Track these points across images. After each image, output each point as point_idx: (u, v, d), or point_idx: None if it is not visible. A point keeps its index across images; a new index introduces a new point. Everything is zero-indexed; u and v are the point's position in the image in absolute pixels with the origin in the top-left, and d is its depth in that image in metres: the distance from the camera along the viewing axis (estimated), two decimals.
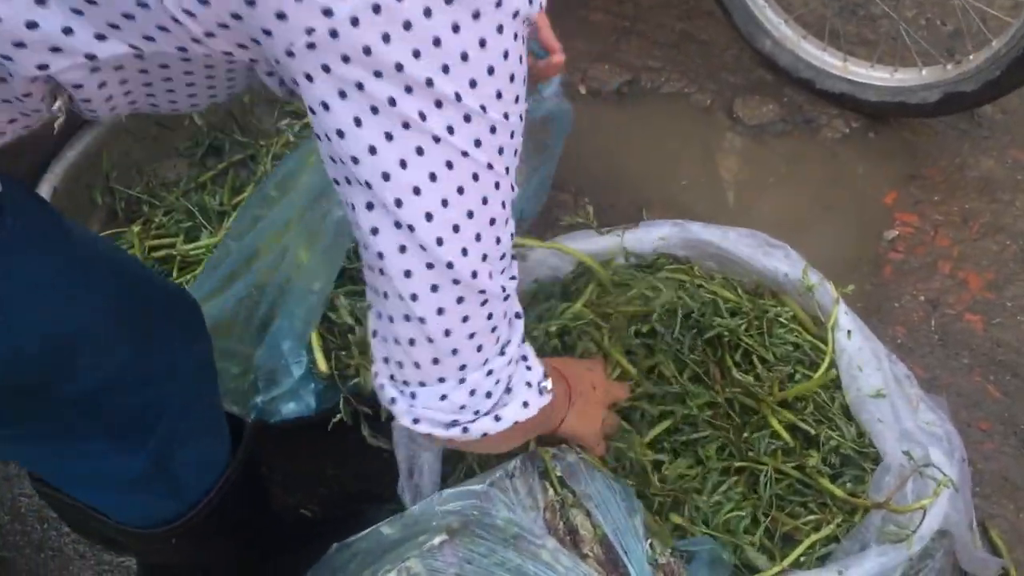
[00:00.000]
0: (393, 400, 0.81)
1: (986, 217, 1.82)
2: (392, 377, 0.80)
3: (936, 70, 1.84)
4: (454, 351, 0.77)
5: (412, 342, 0.76)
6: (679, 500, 1.20)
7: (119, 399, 0.88)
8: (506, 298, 0.79)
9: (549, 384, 0.89)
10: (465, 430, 0.82)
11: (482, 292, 0.75)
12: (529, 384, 0.86)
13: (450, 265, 0.72)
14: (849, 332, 1.28)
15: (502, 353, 0.81)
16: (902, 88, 1.88)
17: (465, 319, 0.76)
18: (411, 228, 0.69)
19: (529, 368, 0.87)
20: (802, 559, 1.16)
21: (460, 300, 0.74)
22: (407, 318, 0.74)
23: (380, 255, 0.71)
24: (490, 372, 0.80)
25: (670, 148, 1.94)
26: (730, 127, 1.96)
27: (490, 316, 0.77)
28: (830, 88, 1.96)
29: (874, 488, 1.14)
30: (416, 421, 0.81)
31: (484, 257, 0.73)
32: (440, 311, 0.74)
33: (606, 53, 2.08)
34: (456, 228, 0.71)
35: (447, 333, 0.75)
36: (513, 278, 0.80)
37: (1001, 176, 1.88)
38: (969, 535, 1.22)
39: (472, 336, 0.77)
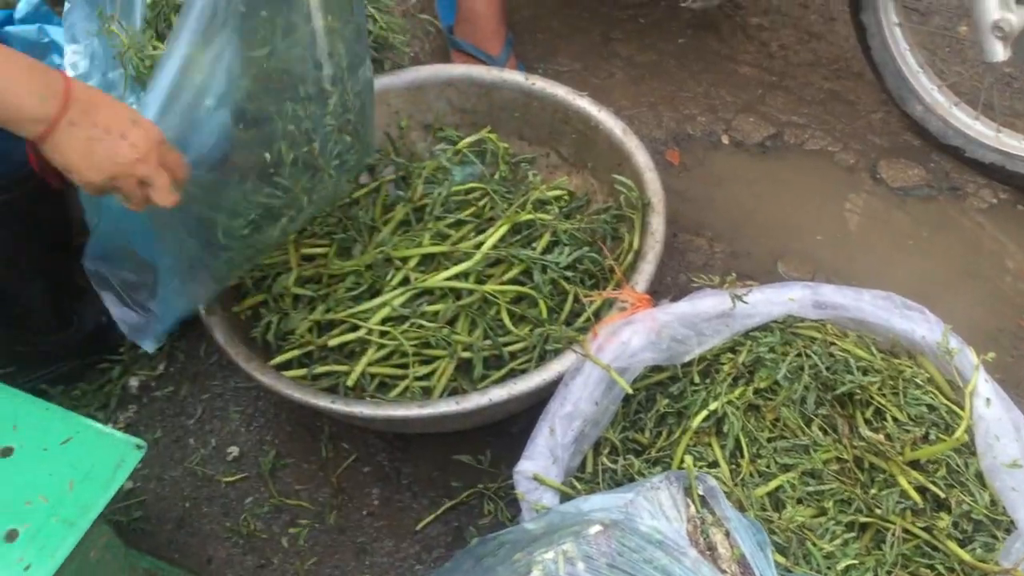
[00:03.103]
0: None
1: None
2: None
3: None
4: None
5: None
6: (794, 544, 1.21)
7: None
8: None
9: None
10: None
11: None
12: None
13: None
14: (988, 400, 1.26)
15: None
16: None
17: None
18: None
19: None
20: None
21: None
22: None
23: None
24: None
25: (809, 203, 1.94)
26: (872, 188, 1.96)
27: None
28: (980, 157, 1.93)
29: (1004, 556, 1.13)
30: None
31: None
32: None
33: (752, 106, 2.11)
34: None
35: None
36: None
37: None
38: None
39: None
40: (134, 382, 1.66)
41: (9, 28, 1.77)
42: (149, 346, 1.44)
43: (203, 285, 1.42)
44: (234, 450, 1.59)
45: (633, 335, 1.37)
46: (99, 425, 1.19)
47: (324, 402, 1.39)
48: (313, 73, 1.34)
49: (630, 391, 1.34)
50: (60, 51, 1.78)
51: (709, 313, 1.39)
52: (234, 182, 1.31)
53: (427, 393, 1.52)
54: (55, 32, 1.78)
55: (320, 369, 1.53)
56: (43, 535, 1.11)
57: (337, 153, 1.44)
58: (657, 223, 1.58)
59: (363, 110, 1.48)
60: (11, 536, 1.11)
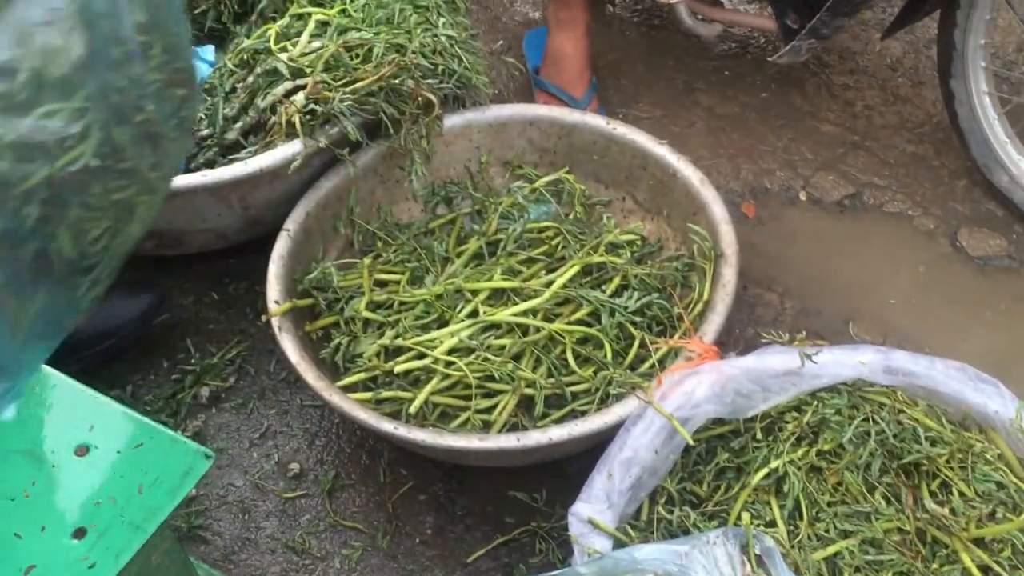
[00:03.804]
0: None
1: None
2: None
3: None
4: None
5: None
6: None
7: None
8: None
9: None
10: None
11: None
12: None
13: None
14: None
15: None
16: None
17: None
18: None
19: None
20: None
21: None
22: None
23: None
24: None
25: (885, 266, 1.92)
26: (951, 255, 1.93)
27: None
28: None
29: None
30: None
31: None
32: None
33: (831, 164, 2.10)
34: None
35: None
36: None
37: None
38: None
39: None
40: (204, 392, 1.71)
41: None
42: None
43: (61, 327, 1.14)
44: (295, 467, 1.62)
45: (698, 386, 1.37)
46: (171, 432, 1.22)
47: (388, 427, 1.41)
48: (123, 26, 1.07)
49: (691, 442, 1.34)
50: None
51: (776, 370, 1.38)
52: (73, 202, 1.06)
53: (487, 426, 1.53)
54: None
55: (384, 394, 1.55)
56: (109, 536, 1.14)
57: (173, 112, 1.19)
58: (729, 275, 1.58)
59: (181, 45, 1.21)
60: (79, 534, 1.15)
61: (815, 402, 1.38)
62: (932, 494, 1.31)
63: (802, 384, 1.38)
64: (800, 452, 1.35)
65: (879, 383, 1.38)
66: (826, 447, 1.35)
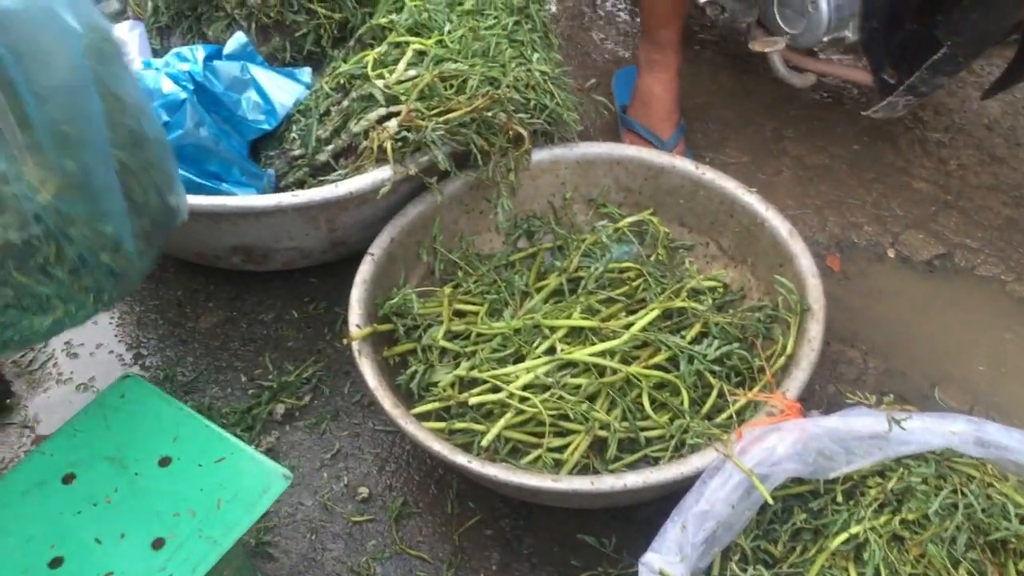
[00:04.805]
0: None
1: None
2: None
3: None
4: None
5: None
6: None
7: None
8: None
9: None
10: None
11: None
12: None
13: None
14: None
15: None
16: None
17: None
18: None
19: None
20: None
21: None
22: None
23: None
24: None
25: (974, 331, 1.86)
26: None
27: None
28: None
29: None
30: None
31: None
32: None
33: (922, 223, 2.05)
34: None
35: None
36: None
37: None
38: None
39: None
40: (280, 409, 1.73)
41: (216, 62, 1.90)
42: None
43: None
44: (364, 491, 1.63)
45: (779, 443, 1.34)
46: (251, 449, 1.24)
47: (461, 459, 1.40)
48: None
49: (771, 501, 1.31)
50: (259, 88, 1.91)
51: (862, 432, 1.35)
52: None
53: (558, 465, 1.52)
54: (255, 71, 1.90)
55: (457, 425, 1.55)
56: (187, 548, 1.16)
57: (141, 243, 1.25)
58: (815, 331, 1.55)
59: (163, 171, 1.31)
60: (157, 544, 1.17)
61: (900, 469, 1.34)
62: (1019, 574, 1.26)
63: (888, 449, 1.34)
64: (882, 519, 1.31)
65: (969, 455, 1.34)
66: (910, 516, 1.31)
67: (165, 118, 1.76)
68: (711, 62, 2.47)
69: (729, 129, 2.28)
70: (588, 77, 2.40)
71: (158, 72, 1.82)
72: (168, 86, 1.78)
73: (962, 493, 1.30)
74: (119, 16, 2.08)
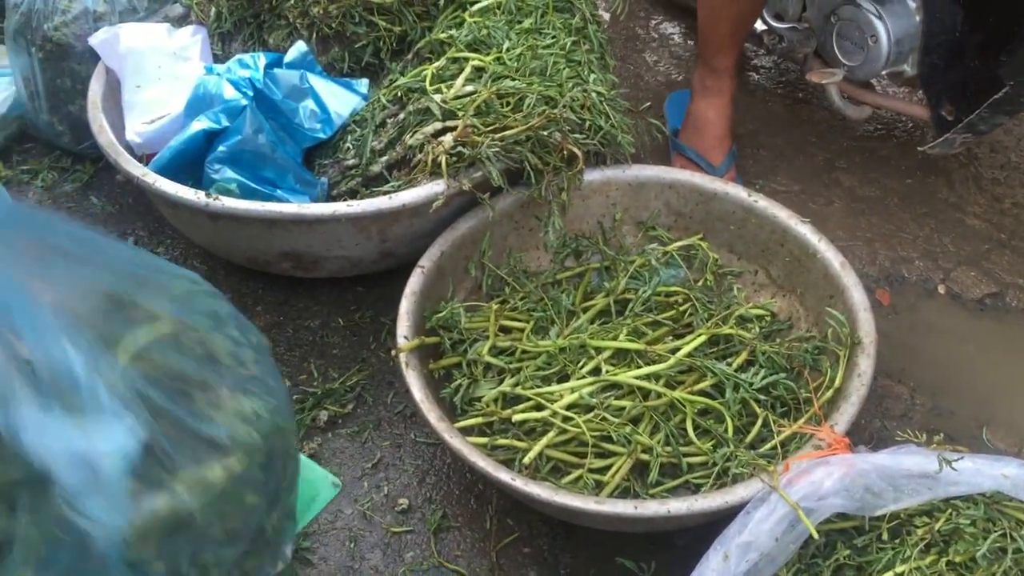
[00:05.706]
0: None
1: None
2: None
3: None
4: None
5: None
6: None
7: None
8: None
9: None
10: None
11: None
12: None
13: None
14: None
15: None
16: None
17: None
18: None
19: None
20: None
21: None
22: None
23: None
24: None
25: None
26: None
27: None
28: None
29: None
30: None
31: None
32: None
33: (974, 260, 2.03)
34: None
35: None
36: None
37: None
38: None
39: None
40: (323, 416, 1.74)
41: (276, 70, 1.92)
42: None
43: None
44: (404, 502, 1.63)
45: (827, 477, 1.33)
46: (305, 456, 1.25)
47: (504, 477, 1.41)
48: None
49: (816, 536, 1.30)
50: (317, 97, 1.93)
51: (911, 471, 1.33)
52: None
53: (599, 486, 1.52)
54: (314, 80, 1.93)
55: (500, 441, 1.55)
56: None
57: None
58: (865, 365, 1.54)
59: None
60: None
61: (949, 510, 1.33)
62: None
63: (937, 489, 1.33)
64: (928, 560, 1.29)
65: (1020, 498, 1.32)
66: (957, 559, 1.29)
67: (225, 123, 1.79)
68: (763, 89, 2.46)
69: (780, 157, 2.27)
70: (640, 99, 2.40)
71: (220, 78, 1.84)
72: (229, 92, 1.81)
73: (1011, 538, 1.28)
74: (182, 20, 2.11)
